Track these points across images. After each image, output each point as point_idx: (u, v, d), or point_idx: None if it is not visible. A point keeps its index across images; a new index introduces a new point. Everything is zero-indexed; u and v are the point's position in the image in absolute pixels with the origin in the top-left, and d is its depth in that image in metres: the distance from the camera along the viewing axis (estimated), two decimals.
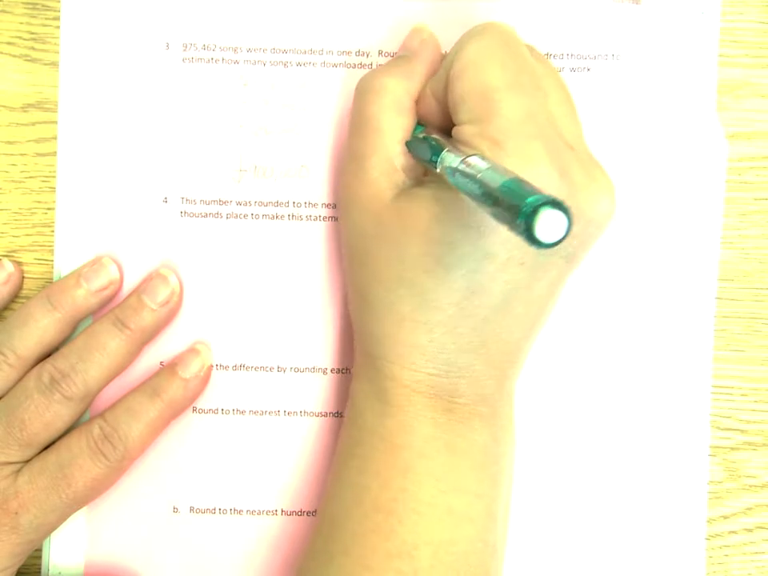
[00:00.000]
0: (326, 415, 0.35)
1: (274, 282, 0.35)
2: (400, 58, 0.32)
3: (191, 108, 0.35)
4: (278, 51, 0.35)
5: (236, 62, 0.35)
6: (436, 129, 0.31)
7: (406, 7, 0.35)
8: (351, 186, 0.31)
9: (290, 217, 0.35)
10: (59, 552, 0.35)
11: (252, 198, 0.35)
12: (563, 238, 0.21)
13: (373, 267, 0.30)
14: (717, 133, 0.35)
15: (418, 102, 0.31)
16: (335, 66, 0.35)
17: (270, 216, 0.35)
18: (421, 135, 0.30)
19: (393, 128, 0.30)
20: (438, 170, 0.28)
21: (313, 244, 0.35)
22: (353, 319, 0.32)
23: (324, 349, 0.35)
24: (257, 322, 0.35)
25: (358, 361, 0.32)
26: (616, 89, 0.35)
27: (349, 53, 0.35)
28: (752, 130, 0.36)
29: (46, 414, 0.32)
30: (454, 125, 0.29)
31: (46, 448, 0.33)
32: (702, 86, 0.35)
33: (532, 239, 0.21)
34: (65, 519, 0.33)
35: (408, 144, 0.30)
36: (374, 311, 0.30)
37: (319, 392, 0.35)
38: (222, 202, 0.35)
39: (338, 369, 0.35)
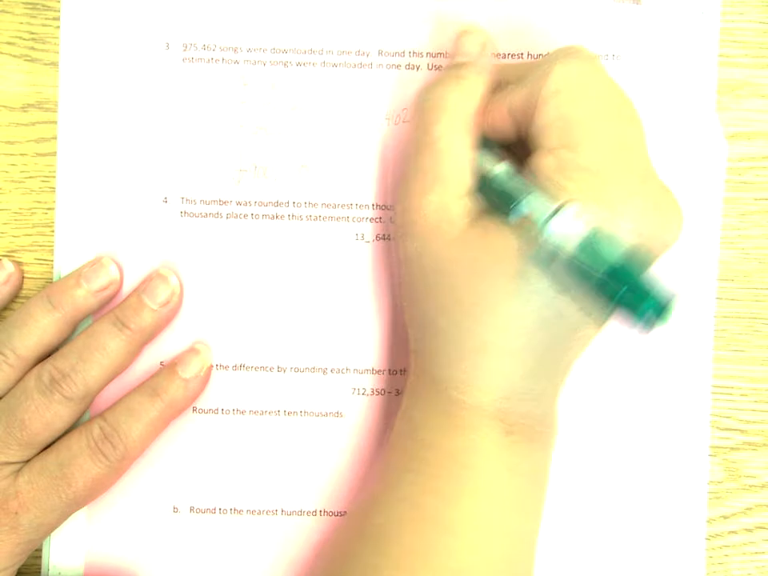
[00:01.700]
0: (326, 415, 0.35)
1: (273, 281, 0.35)
2: (462, 68, 0.31)
3: (191, 108, 0.35)
4: (278, 51, 0.35)
5: (236, 61, 0.35)
6: (500, 143, 0.30)
7: (406, 7, 0.35)
8: (419, 210, 0.29)
9: (290, 217, 0.35)
10: (59, 552, 0.35)
11: (252, 198, 0.35)
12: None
13: (445, 296, 0.29)
14: (717, 133, 0.35)
15: (486, 113, 0.30)
16: (335, 65, 0.35)
17: (270, 216, 0.35)
18: (494, 169, 0.29)
19: (462, 150, 0.29)
20: (513, 220, 0.27)
21: (313, 244, 0.35)
22: (413, 341, 0.31)
23: (324, 349, 0.35)
24: (257, 322, 0.35)
25: (417, 379, 0.31)
26: None
27: (349, 53, 0.35)
28: (752, 130, 0.36)
29: (46, 414, 0.32)
30: (521, 141, 0.29)
31: (46, 448, 0.33)
32: (702, 85, 0.35)
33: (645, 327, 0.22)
34: (65, 519, 0.33)
35: (478, 189, 0.29)
36: (447, 336, 0.29)
37: (319, 392, 0.35)
38: (222, 202, 0.35)
39: (338, 369, 0.35)
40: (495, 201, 0.29)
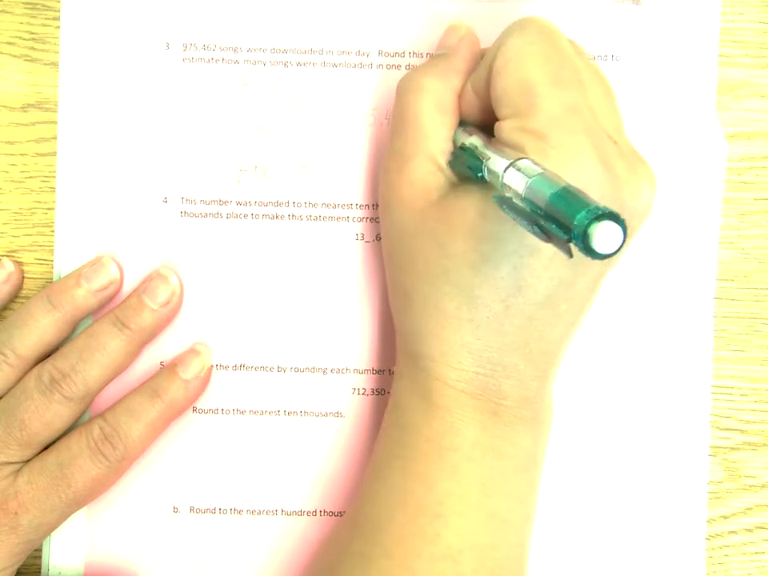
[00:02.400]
0: (326, 415, 0.35)
1: (273, 281, 0.35)
2: (439, 56, 0.32)
3: (191, 108, 0.35)
4: (277, 51, 0.35)
5: (236, 61, 0.35)
6: (477, 126, 0.31)
7: (406, 7, 0.35)
8: (395, 186, 0.30)
9: (290, 217, 0.35)
10: (59, 552, 0.35)
11: (252, 198, 0.35)
12: (618, 250, 0.21)
13: (417, 265, 0.29)
14: (717, 133, 0.35)
15: (459, 98, 0.31)
16: (335, 65, 0.35)
17: (270, 216, 0.35)
18: (466, 142, 0.30)
19: (436, 127, 0.30)
20: (488, 179, 0.28)
21: (313, 244, 0.35)
22: (395, 318, 0.32)
23: (324, 349, 0.35)
24: (257, 322, 0.35)
25: (400, 360, 0.31)
26: (617, 88, 0.35)
27: (349, 53, 0.35)
28: (752, 130, 0.36)
29: (45, 413, 0.32)
30: (496, 121, 0.29)
31: (45, 448, 0.33)
32: (702, 85, 0.35)
33: (588, 250, 0.21)
34: (64, 519, 0.33)
35: (451, 163, 0.30)
36: (417, 309, 0.29)
37: (319, 392, 0.35)
38: (222, 202, 0.35)
39: (338, 369, 0.35)
40: (466, 172, 0.29)
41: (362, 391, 0.35)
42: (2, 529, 0.32)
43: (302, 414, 0.35)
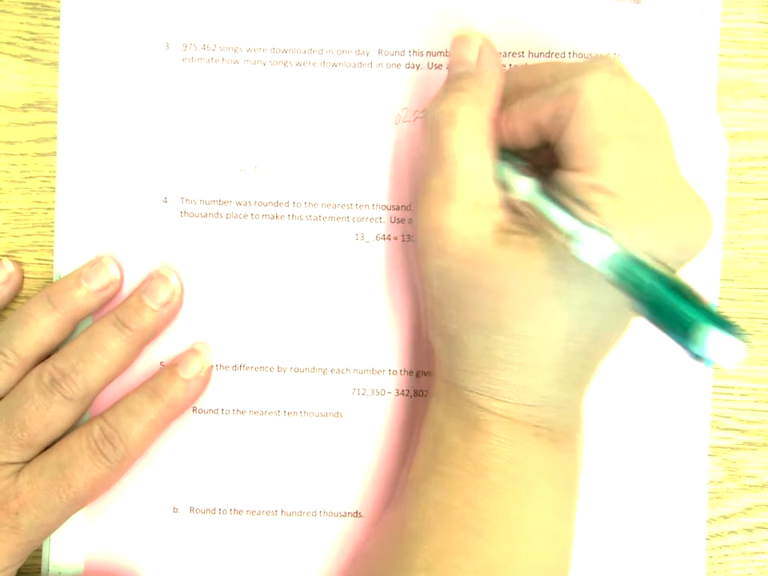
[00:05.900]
0: (325, 415, 0.35)
1: (273, 282, 0.35)
2: (465, 77, 0.30)
3: (191, 108, 0.35)
4: (277, 51, 0.35)
5: (236, 61, 0.35)
6: (514, 151, 0.30)
7: (406, 6, 0.35)
8: (434, 231, 0.28)
9: (290, 217, 0.35)
10: (59, 552, 0.35)
11: (252, 197, 0.35)
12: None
13: (468, 313, 0.28)
14: (717, 133, 0.35)
15: (508, 123, 0.29)
16: (335, 65, 0.35)
17: (270, 216, 0.35)
18: (520, 191, 0.28)
19: (481, 163, 0.28)
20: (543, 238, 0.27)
21: (313, 244, 0.35)
22: (437, 351, 0.31)
23: (324, 349, 0.35)
24: (257, 322, 0.35)
25: (439, 385, 0.31)
26: None
27: (349, 52, 0.35)
28: (752, 130, 0.36)
29: (46, 414, 0.32)
30: (540, 152, 0.29)
31: (46, 448, 0.33)
32: (702, 85, 0.35)
33: (697, 356, 0.21)
34: (65, 519, 0.33)
35: (505, 204, 0.28)
36: (466, 353, 0.29)
37: (319, 392, 0.35)
38: (221, 202, 0.35)
39: (338, 369, 0.35)
40: (522, 217, 0.28)
41: (362, 391, 0.35)
42: (3, 529, 0.32)
43: (302, 414, 0.35)
